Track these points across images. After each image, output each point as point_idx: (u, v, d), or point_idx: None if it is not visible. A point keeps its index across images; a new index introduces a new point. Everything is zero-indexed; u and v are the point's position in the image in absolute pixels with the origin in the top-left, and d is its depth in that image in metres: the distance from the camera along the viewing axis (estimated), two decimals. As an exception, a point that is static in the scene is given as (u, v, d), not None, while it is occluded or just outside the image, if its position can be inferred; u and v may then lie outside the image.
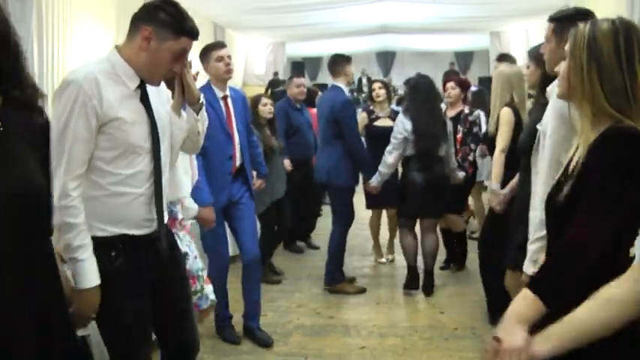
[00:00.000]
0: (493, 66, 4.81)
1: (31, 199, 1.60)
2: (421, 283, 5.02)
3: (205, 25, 7.81)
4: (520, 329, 1.44)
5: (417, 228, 5.05)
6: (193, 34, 2.15)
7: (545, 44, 2.55)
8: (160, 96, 2.30)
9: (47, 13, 3.95)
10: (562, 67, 1.67)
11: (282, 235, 5.66)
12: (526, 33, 9.38)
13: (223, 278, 3.94)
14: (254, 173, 4.45)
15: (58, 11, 4.09)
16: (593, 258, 1.46)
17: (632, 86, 1.53)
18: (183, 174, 2.74)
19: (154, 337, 2.44)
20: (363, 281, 5.31)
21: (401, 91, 13.05)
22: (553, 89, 2.35)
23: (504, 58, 5.56)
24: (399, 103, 8.19)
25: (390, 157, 4.81)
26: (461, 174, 5.06)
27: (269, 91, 6.81)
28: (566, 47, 1.65)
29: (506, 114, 3.87)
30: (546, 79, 2.77)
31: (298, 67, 12.77)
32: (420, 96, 4.86)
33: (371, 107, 5.74)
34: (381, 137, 5.10)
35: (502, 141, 3.83)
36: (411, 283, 5.04)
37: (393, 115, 5.38)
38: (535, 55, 3.26)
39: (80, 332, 2.23)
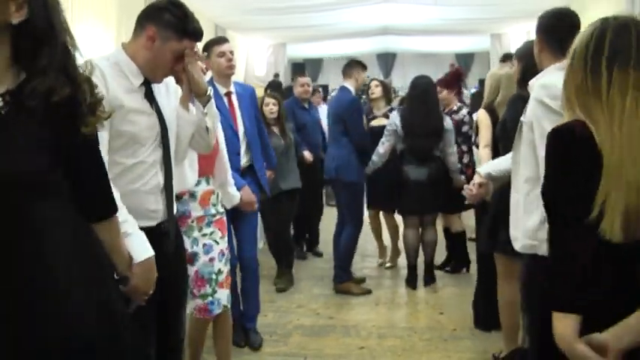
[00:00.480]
0: (495, 67, 4.82)
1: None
2: (421, 278, 5.19)
3: (206, 26, 7.80)
4: (579, 347, 1.52)
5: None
6: (197, 35, 2.22)
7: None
8: (168, 91, 2.34)
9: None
10: None
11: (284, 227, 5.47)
12: (527, 35, 9.35)
13: (232, 277, 3.86)
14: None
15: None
16: (586, 256, 1.54)
17: (595, 86, 1.60)
18: (188, 167, 2.74)
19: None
20: (365, 282, 5.30)
21: (402, 93, 13.09)
22: (535, 83, 2.53)
23: (508, 58, 5.53)
24: (402, 104, 8.23)
25: (382, 147, 5.06)
26: (462, 178, 5.04)
27: (268, 91, 6.77)
28: None
29: (481, 116, 3.99)
30: (525, 73, 2.99)
31: (299, 68, 12.76)
32: (417, 94, 5.09)
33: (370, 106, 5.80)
34: (377, 137, 5.15)
35: (483, 139, 3.95)
36: (410, 282, 5.20)
37: (389, 114, 5.43)
38: (517, 52, 3.37)
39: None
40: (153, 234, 2.16)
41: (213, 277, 2.97)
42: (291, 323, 4.41)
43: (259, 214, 4.86)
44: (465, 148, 5.29)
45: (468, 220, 5.81)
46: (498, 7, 7.73)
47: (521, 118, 2.61)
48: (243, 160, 3.84)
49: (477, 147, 4.37)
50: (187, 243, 2.88)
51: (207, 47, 3.73)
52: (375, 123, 5.58)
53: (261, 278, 5.29)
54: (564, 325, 1.56)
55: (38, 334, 1.41)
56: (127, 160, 2.14)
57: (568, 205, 1.58)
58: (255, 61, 10.16)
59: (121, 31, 3.24)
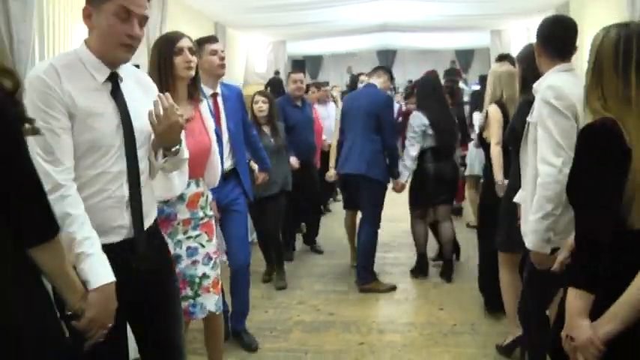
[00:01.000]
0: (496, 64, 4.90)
1: None
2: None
3: (206, 24, 7.83)
4: (583, 321, 1.73)
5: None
6: None
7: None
8: (146, 93, 2.15)
9: (48, 13, 3.96)
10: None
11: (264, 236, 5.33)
12: (527, 31, 9.36)
13: (243, 282, 3.87)
14: (256, 167, 4.46)
15: (60, 11, 4.10)
16: (606, 241, 1.71)
17: (625, 91, 1.78)
18: (176, 172, 2.51)
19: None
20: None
21: (401, 89, 13.11)
22: (541, 84, 2.72)
23: (504, 58, 5.64)
24: (407, 97, 8.33)
25: (413, 149, 5.12)
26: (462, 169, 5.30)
27: (267, 89, 6.77)
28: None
29: (492, 111, 4.05)
30: (526, 76, 3.25)
31: (299, 65, 12.78)
32: (431, 93, 5.27)
33: None
34: None
35: (495, 136, 4.01)
36: (419, 270, 5.35)
37: None
38: (518, 56, 3.54)
39: None
40: (118, 251, 1.98)
41: (197, 280, 2.87)
42: (291, 319, 4.43)
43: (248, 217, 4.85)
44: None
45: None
46: (498, 3, 7.74)
47: (528, 119, 2.76)
48: (227, 164, 3.64)
49: (481, 144, 4.43)
50: (170, 245, 2.76)
51: (199, 45, 3.42)
52: None
53: (261, 274, 5.35)
54: (575, 300, 1.75)
55: None
56: (88, 172, 1.94)
57: (599, 192, 1.74)
58: (255, 59, 10.18)
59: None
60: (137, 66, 2.76)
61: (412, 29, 10.47)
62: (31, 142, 1.66)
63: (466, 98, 8.82)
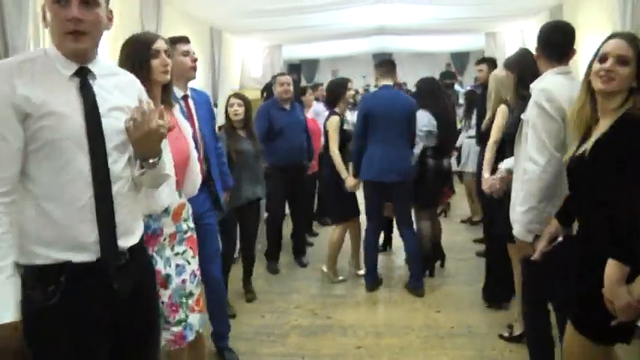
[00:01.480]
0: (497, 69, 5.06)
1: None
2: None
3: (202, 29, 7.84)
4: (621, 288, 2.09)
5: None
6: None
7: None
8: (125, 94, 1.99)
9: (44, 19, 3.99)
10: (621, 72, 2.23)
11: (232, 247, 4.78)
12: (521, 33, 9.40)
13: (221, 299, 3.73)
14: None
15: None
16: None
17: None
18: (165, 184, 2.32)
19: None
20: (360, 281, 5.32)
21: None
22: (535, 86, 2.94)
23: (482, 61, 5.96)
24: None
25: (417, 148, 5.15)
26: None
27: (264, 93, 6.73)
28: (619, 52, 2.24)
29: (502, 110, 4.13)
30: (522, 80, 3.50)
31: (295, 69, 12.78)
32: (435, 94, 5.39)
33: (336, 110, 5.39)
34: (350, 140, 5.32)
35: (495, 134, 4.11)
36: (429, 270, 5.42)
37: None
38: (509, 63, 3.79)
39: None
40: (95, 271, 1.82)
41: (184, 300, 2.70)
42: (288, 324, 4.43)
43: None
44: None
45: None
46: (493, 5, 7.75)
47: (522, 116, 2.98)
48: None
49: (483, 142, 4.54)
50: (160, 264, 2.61)
51: (171, 44, 3.06)
52: (346, 127, 5.51)
53: (258, 278, 5.35)
54: (614, 270, 2.10)
55: None
56: (54, 178, 1.78)
57: None
58: (251, 63, 10.18)
59: (117, 35, 3.22)
60: None
61: (408, 32, 10.50)
62: None
63: (461, 100, 8.87)
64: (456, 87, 13.74)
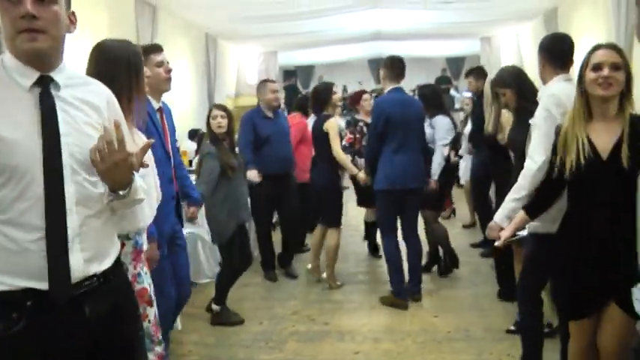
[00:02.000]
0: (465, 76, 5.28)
1: None
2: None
3: (197, 36, 7.85)
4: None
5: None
6: None
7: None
8: (95, 110, 1.79)
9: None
10: (618, 77, 2.44)
11: (247, 264, 4.61)
12: (516, 37, 9.45)
13: (168, 323, 3.33)
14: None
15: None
16: None
17: None
18: (145, 203, 2.18)
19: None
20: (358, 287, 5.34)
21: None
22: (543, 92, 3.23)
23: (471, 72, 6.13)
24: None
25: (446, 150, 5.34)
26: None
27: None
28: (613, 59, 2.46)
29: (508, 116, 4.27)
30: (522, 94, 3.79)
31: (290, 75, 12.78)
32: (442, 99, 5.64)
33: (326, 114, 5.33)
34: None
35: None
36: (453, 265, 5.51)
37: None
38: (504, 81, 3.98)
39: None
40: (47, 299, 1.65)
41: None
42: (286, 330, 4.42)
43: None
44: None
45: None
46: (488, 10, 7.80)
47: (530, 121, 3.19)
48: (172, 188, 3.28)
49: (491, 147, 4.72)
50: (147, 282, 2.55)
51: (144, 53, 2.85)
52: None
53: (257, 286, 5.35)
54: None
55: None
56: (11, 205, 1.62)
57: None
58: (246, 70, 10.21)
59: (111, 36, 3.24)
60: None
61: (403, 37, 10.53)
62: None
63: (457, 105, 8.89)
64: (452, 92, 13.79)
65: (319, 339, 4.24)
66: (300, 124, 6.19)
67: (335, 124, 5.21)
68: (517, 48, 9.36)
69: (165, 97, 3.48)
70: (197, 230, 5.16)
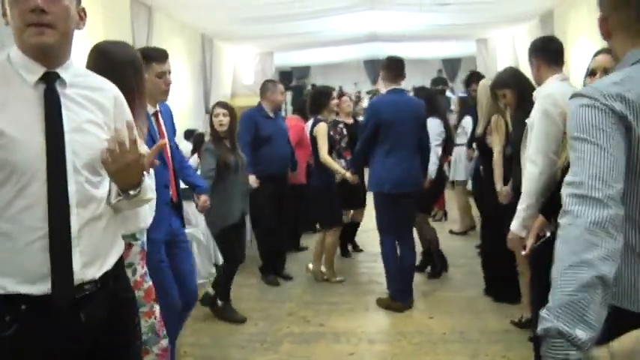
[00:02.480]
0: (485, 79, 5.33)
1: None
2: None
3: (193, 37, 7.84)
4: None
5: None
6: None
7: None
8: (101, 109, 1.77)
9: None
10: None
11: (238, 261, 4.65)
12: (512, 39, 9.47)
13: (174, 326, 3.24)
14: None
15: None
16: None
17: None
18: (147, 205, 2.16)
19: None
20: (353, 288, 5.34)
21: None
22: (539, 92, 3.19)
23: (473, 78, 6.20)
24: None
25: (435, 157, 5.41)
26: None
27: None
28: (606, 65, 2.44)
29: (500, 122, 4.32)
30: (522, 95, 3.72)
31: (287, 76, 12.78)
32: (438, 101, 5.79)
33: (320, 118, 5.38)
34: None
35: (498, 145, 4.34)
36: (443, 268, 5.56)
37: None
38: (505, 83, 3.95)
39: None
40: (42, 303, 1.61)
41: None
42: (281, 331, 4.42)
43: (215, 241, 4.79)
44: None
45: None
46: (484, 12, 7.81)
47: (527, 121, 3.20)
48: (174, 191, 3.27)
49: (482, 150, 4.79)
50: (150, 280, 2.59)
51: (145, 59, 2.78)
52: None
53: (252, 287, 5.34)
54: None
55: None
56: (9, 204, 1.59)
57: None
58: (242, 70, 10.20)
59: (107, 37, 3.21)
60: None
61: (399, 39, 10.55)
62: None
63: (453, 106, 8.92)
64: (448, 93, 13.80)
65: (314, 340, 4.23)
66: (298, 126, 6.19)
67: (324, 129, 5.24)
68: (513, 50, 9.38)
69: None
70: (192, 230, 5.15)
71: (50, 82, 1.66)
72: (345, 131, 5.75)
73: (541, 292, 3.29)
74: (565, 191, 1.35)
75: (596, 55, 2.60)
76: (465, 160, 6.83)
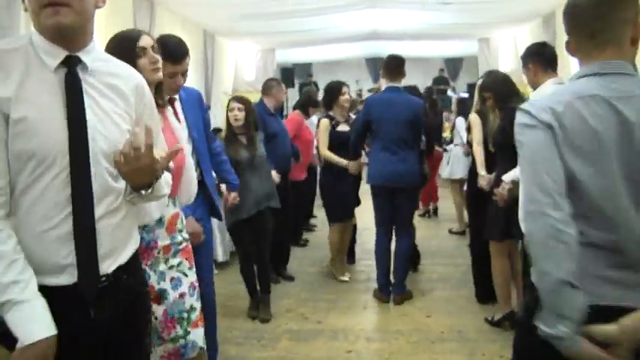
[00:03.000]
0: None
1: None
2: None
3: (195, 32, 7.83)
4: None
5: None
6: None
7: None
8: (120, 96, 1.72)
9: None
10: None
11: (246, 257, 4.64)
12: (514, 39, 9.45)
13: (212, 319, 3.26)
14: (223, 186, 3.97)
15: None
16: None
17: None
18: None
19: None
20: (351, 286, 5.35)
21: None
22: (535, 95, 3.36)
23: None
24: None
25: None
26: None
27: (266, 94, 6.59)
28: None
29: (475, 119, 4.58)
30: (501, 97, 4.04)
31: (288, 73, 12.75)
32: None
33: (330, 114, 5.43)
34: (345, 142, 5.23)
35: (477, 138, 4.55)
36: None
37: (350, 121, 5.57)
38: (485, 87, 4.29)
39: None
40: (70, 296, 1.59)
41: (185, 315, 2.49)
42: (279, 328, 4.42)
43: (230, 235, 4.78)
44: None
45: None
46: (486, 12, 7.80)
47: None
48: None
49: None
50: (154, 279, 2.43)
51: (162, 55, 2.57)
52: (340, 129, 5.41)
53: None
54: None
55: None
56: (28, 192, 1.55)
57: None
58: (244, 67, 10.19)
59: (108, 34, 3.21)
60: None
61: (401, 37, 10.53)
62: None
63: (454, 107, 8.93)
64: (449, 93, 13.79)
65: (312, 337, 4.24)
66: (294, 119, 6.25)
67: (325, 125, 5.33)
68: (515, 50, 9.36)
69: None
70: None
71: (72, 67, 1.61)
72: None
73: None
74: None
75: None
76: (462, 160, 6.92)
